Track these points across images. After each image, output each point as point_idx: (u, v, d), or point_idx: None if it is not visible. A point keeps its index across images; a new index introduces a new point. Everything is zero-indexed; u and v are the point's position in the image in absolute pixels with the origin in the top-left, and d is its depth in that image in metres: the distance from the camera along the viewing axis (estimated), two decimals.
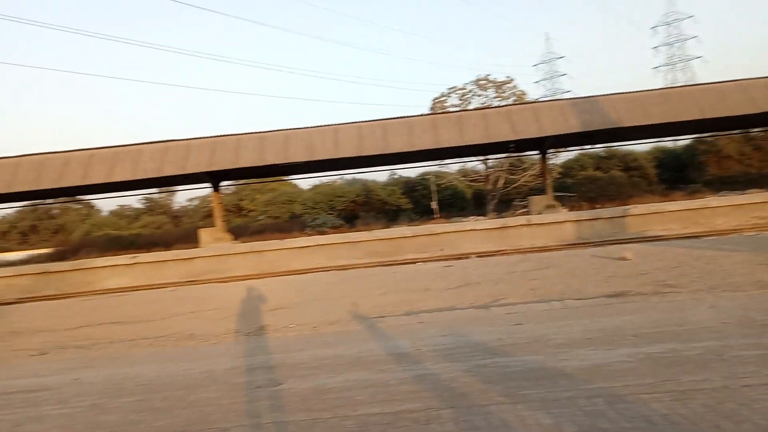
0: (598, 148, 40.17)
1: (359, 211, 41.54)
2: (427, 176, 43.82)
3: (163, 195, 56.33)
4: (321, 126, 20.80)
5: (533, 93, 74.55)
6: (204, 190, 35.33)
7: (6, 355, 7.66)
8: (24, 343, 8.33)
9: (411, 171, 48.89)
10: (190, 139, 20.38)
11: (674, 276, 8.48)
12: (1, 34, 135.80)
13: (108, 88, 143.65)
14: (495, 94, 37.55)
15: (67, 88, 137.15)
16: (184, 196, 60.94)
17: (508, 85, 37.76)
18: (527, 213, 23.44)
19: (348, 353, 5.68)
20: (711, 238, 14.39)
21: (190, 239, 28.22)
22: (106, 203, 79.28)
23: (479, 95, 37.75)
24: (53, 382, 5.69)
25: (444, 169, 41.04)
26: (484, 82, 37.78)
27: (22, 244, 54.60)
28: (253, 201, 49.03)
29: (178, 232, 43.65)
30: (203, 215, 49.28)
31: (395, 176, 47.23)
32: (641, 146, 44.70)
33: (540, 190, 26.86)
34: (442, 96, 38.42)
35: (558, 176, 38.79)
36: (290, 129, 20.68)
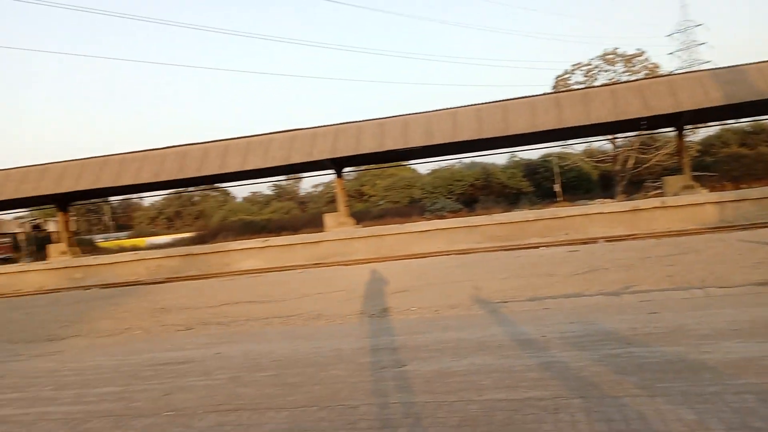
0: (744, 123, 36.46)
1: (478, 194, 41.04)
2: (550, 158, 42.23)
3: (290, 182, 59.21)
4: (439, 110, 20.70)
5: (667, 66, 68.86)
6: (328, 176, 36.70)
7: (157, 329, 8.46)
8: (171, 319, 9.15)
9: (532, 153, 47.29)
10: (315, 127, 21.16)
11: None
12: (135, 35, 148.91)
13: (250, 81, 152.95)
14: (624, 69, 35.32)
15: (212, 83, 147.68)
16: (309, 183, 63.76)
17: (639, 58, 35.31)
18: (661, 194, 21.87)
19: (471, 337, 5.65)
20: None
21: (315, 224, 29.47)
22: (240, 190, 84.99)
23: (606, 71, 35.70)
24: (197, 356, 6.21)
25: (568, 150, 39.34)
26: (611, 56, 35.63)
27: (169, 229, 60.01)
28: (374, 186, 50.10)
29: (304, 217, 45.78)
30: (327, 201, 51.20)
31: (516, 158, 46.06)
32: None
33: (676, 170, 24.91)
34: (566, 73, 36.79)
35: (696, 154, 35.79)
36: (409, 114, 20.79)
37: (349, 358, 5.30)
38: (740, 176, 29.11)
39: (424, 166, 56.64)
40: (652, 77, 26.75)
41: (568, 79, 36.57)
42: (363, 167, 32.31)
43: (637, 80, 23.25)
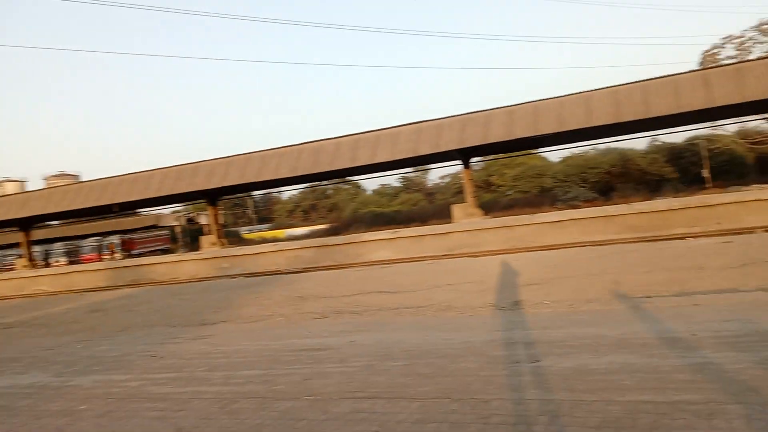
0: None
1: (615, 182, 38.78)
2: (697, 141, 38.72)
3: (418, 173, 59.82)
4: (572, 94, 19.74)
5: None
6: (455, 167, 36.56)
7: (295, 317, 8.94)
8: (308, 307, 9.62)
9: (676, 136, 43.58)
10: (441, 118, 21.10)
11: None
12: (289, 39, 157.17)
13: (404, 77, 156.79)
14: None
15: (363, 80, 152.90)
16: (436, 174, 64.02)
17: None
18: None
19: (610, 334, 5.35)
20: None
21: (443, 215, 29.50)
22: (370, 183, 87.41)
23: (762, 42, 32.00)
24: (333, 343, 6.47)
25: (718, 131, 35.82)
26: None
27: (305, 221, 63.29)
28: (502, 176, 49.15)
29: (432, 208, 46.06)
30: (454, 191, 51.07)
31: (657, 143, 42.77)
32: None
33: None
34: (714, 48, 33.52)
35: None
36: (539, 100, 20.04)
37: (480, 351, 5.25)
38: None
39: (555, 154, 54.39)
40: None
41: (717, 54, 33.32)
42: (491, 157, 31.72)
43: None
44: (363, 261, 18.87)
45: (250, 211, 74.25)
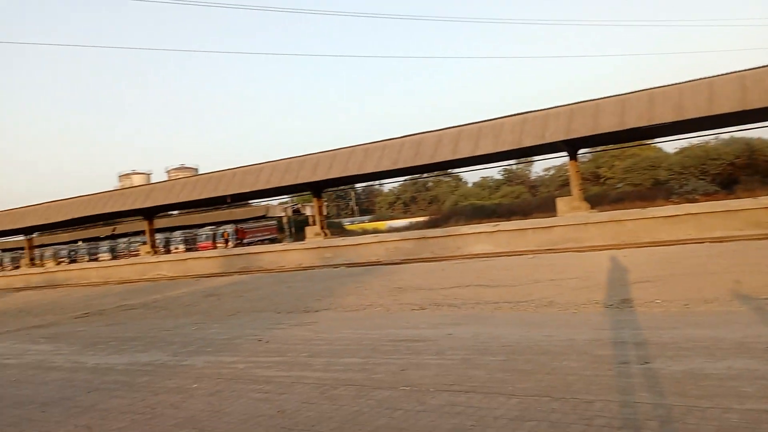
0: None
1: (739, 174, 35.75)
2: None
3: (521, 166, 58.42)
4: (691, 81, 18.39)
5: None
6: (560, 159, 35.31)
7: (394, 307, 9.05)
8: (407, 298, 9.70)
9: None
10: (547, 109, 20.42)
11: None
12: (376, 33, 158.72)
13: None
14: None
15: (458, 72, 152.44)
16: (540, 166, 62.14)
17: None
18: None
19: (729, 337, 4.95)
20: None
21: (546, 208, 28.63)
22: (471, 175, 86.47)
23: None
24: (430, 335, 6.48)
25: None
26: None
27: (405, 213, 63.85)
28: (612, 168, 46.91)
29: (535, 201, 44.86)
30: (559, 184, 49.39)
31: None
32: None
33: None
34: None
35: None
36: (655, 88, 18.84)
37: (583, 350, 5.05)
38: None
39: (671, 144, 50.86)
40: None
41: None
42: (600, 148, 30.32)
43: None
44: (462, 254, 18.74)
45: (352, 203, 76.05)
